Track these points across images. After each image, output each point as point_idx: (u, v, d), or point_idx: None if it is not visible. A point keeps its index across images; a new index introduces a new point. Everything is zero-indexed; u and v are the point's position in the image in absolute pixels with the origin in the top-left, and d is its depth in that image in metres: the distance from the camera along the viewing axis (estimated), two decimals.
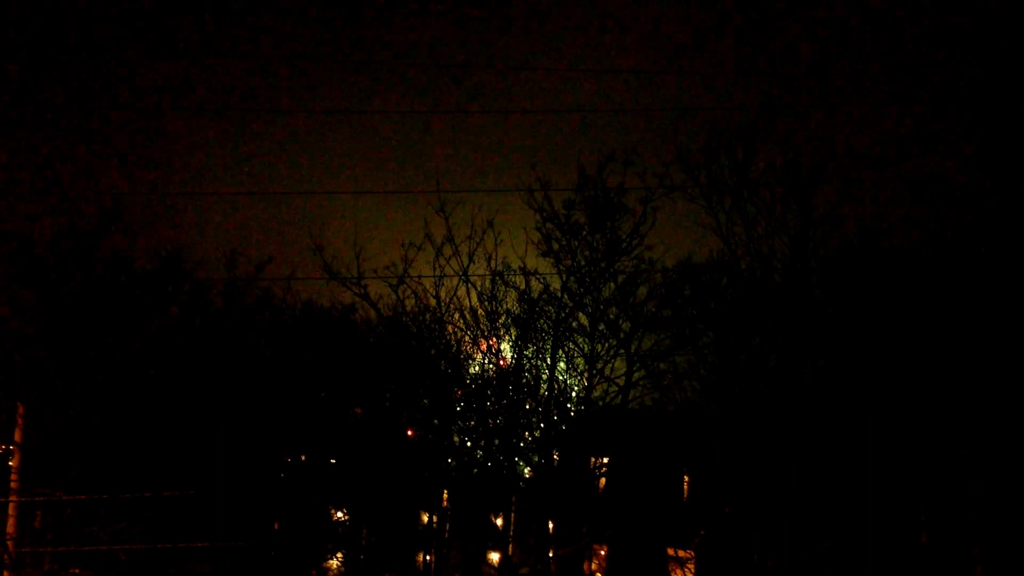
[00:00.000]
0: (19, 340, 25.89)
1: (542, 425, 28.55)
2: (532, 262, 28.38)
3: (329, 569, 30.50)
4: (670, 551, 27.81)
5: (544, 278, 28.05)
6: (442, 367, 29.01)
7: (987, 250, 23.71)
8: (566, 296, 28.14)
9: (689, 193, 26.68)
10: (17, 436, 23.84)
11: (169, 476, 24.46)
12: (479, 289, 28.31)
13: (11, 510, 23.47)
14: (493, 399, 28.82)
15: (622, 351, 28.14)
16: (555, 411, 28.64)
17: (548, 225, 28.00)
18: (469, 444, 29.27)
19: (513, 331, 28.69)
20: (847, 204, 25.89)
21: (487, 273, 28.04)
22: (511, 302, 28.41)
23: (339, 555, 30.23)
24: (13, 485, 23.69)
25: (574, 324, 28.55)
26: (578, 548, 28.28)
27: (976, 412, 22.83)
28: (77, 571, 25.20)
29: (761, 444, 24.73)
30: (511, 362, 28.74)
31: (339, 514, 30.70)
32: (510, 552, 29.90)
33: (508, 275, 28.19)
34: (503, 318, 28.50)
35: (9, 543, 23.31)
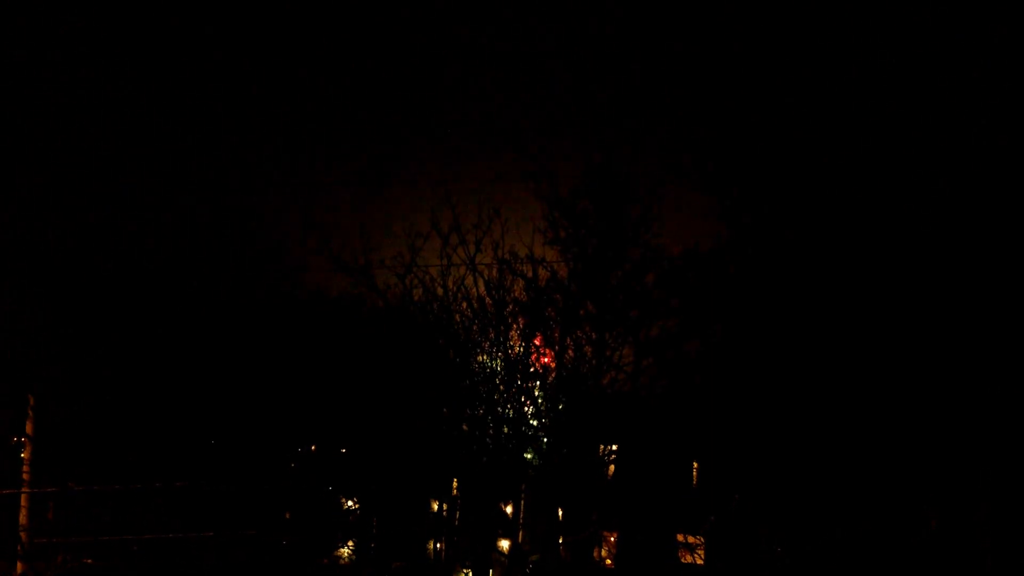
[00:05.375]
0: (29, 334, 26.04)
1: (551, 414, 28.57)
2: (539, 251, 28.35)
3: (340, 557, 30.67)
4: (679, 537, 27.95)
5: (551, 266, 28.06)
6: (451, 356, 29.01)
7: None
8: (574, 284, 28.13)
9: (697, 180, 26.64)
10: (28, 428, 24.07)
11: (180, 467, 24.64)
12: (487, 278, 28.29)
13: (23, 501, 23.71)
14: (502, 388, 28.82)
15: (630, 338, 28.16)
16: (564, 399, 28.64)
17: (555, 213, 28.04)
18: (478, 433, 29.29)
19: (521, 319, 28.69)
20: None
21: (493, 263, 28.01)
22: (519, 291, 28.40)
23: (350, 543, 30.39)
24: (25, 477, 23.90)
25: (582, 312, 28.54)
26: (588, 535, 28.36)
27: (986, 402, 22.78)
28: (90, 561, 25.44)
29: (770, 432, 24.76)
30: (519, 351, 28.73)
31: (349, 503, 30.85)
32: (520, 539, 29.95)
33: (515, 263, 28.17)
34: (511, 307, 28.49)
35: (22, 534, 23.56)
